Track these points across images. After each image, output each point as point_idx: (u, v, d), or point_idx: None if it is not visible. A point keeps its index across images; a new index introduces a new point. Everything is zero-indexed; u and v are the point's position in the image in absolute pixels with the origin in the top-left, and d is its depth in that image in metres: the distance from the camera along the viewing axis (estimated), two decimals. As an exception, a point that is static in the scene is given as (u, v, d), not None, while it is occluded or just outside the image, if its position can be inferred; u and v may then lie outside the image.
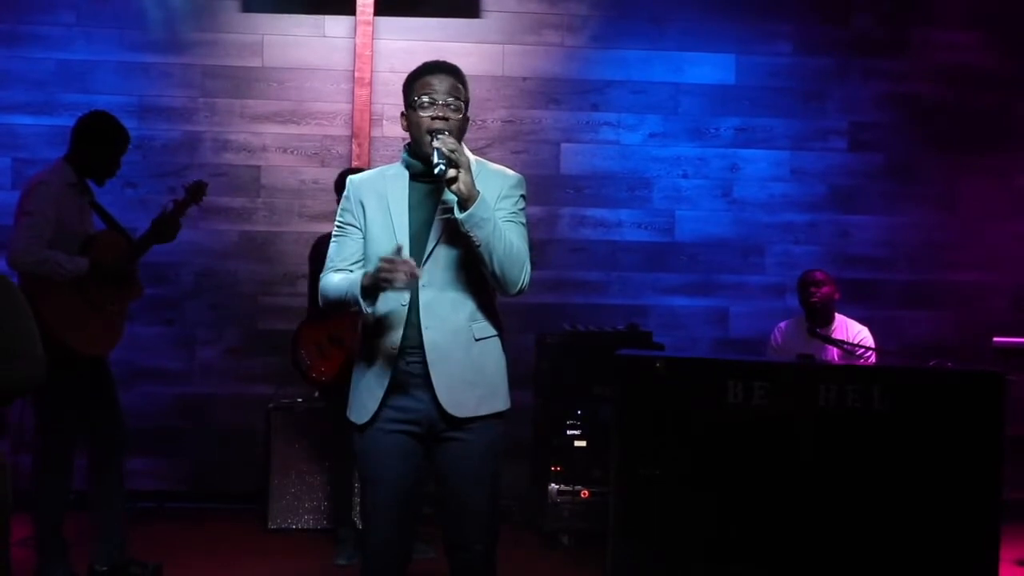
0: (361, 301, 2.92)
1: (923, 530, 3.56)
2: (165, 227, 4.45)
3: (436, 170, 2.83)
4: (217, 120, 5.84)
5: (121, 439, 4.46)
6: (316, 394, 5.36)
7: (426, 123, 2.94)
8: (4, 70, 5.72)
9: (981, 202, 6.22)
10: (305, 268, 5.72)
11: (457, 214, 2.87)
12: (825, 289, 5.36)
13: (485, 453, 3.04)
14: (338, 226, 3.11)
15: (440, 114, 2.95)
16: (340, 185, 4.95)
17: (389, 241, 2.96)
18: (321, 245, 4.92)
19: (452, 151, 2.84)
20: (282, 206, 5.88)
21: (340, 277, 3.03)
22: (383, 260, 2.85)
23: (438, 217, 2.98)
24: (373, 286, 2.89)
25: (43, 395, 4.13)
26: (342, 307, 3.06)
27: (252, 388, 5.77)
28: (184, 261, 5.71)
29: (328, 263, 3.09)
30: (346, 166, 5.60)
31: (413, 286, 2.90)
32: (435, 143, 2.86)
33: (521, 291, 3.00)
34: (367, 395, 3.02)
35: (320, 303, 3.12)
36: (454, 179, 2.84)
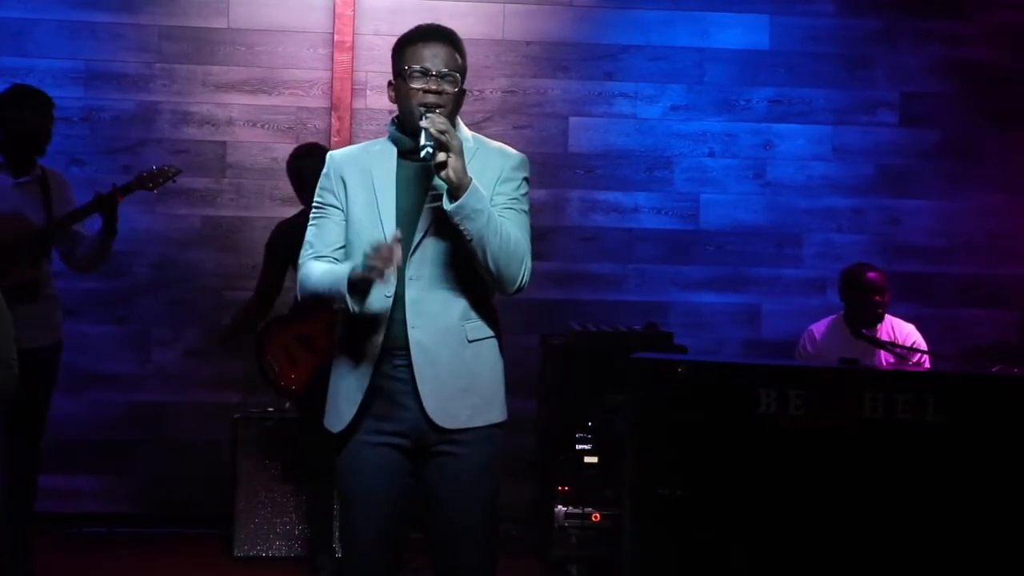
0: (348, 299, 2.91)
1: (984, 559, 3.54)
2: (100, 208, 4.50)
3: (422, 153, 2.86)
4: (176, 89, 5.82)
5: None
6: (287, 405, 5.36)
7: (417, 97, 2.96)
8: (-73, 30, 5.73)
9: (1051, 185, 6.24)
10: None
11: (446, 204, 2.88)
12: (887, 298, 5.31)
13: (482, 469, 3.05)
14: (317, 207, 3.13)
15: (433, 87, 2.97)
16: (293, 170, 4.93)
17: (373, 225, 2.98)
18: (283, 231, 4.89)
19: (441, 132, 2.84)
20: (251, 188, 5.87)
21: (323, 269, 3.03)
22: (371, 249, 2.84)
23: (427, 205, 3.00)
24: (362, 281, 2.88)
25: None
26: (323, 303, 3.06)
27: (215, 395, 5.75)
28: (138, 250, 5.68)
29: (307, 248, 3.10)
30: (324, 141, 5.59)
31: (396, 276, 2.91)
32: (422, 122, 2.87)
33: (520, 289, 3.03)
34: (344, 400, 3.04)
35: (298, 294, 3.12)
36: (443, 164, 2.85)
